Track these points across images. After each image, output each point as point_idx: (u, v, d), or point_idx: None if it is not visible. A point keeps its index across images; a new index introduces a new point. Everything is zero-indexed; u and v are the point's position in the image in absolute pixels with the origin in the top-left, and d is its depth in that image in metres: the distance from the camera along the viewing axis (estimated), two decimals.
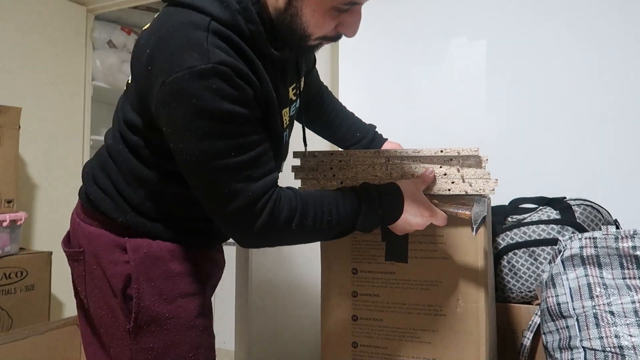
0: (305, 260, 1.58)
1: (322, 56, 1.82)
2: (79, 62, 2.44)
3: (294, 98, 0.95)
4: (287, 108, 0.91)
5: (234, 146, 0.74)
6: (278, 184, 0.81)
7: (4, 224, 1.80)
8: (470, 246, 0.91)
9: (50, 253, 1.98)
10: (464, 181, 0.91)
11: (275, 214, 0.77)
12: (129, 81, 0.87)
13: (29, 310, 1.89)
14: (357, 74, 1.83)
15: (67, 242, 0.95)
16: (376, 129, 1.21)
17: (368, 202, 0.85)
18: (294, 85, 0.94)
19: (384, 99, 1.78)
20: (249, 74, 0.76)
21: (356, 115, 1.23)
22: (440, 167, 0.93)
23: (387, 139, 1.20)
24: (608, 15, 1.49)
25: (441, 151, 0.93)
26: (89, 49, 2.51)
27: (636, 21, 1.46)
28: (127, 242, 0.87)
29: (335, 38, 0.84)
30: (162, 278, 0.87)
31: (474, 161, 0.92)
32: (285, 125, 0.91)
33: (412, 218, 0.86)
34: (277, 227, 0.78)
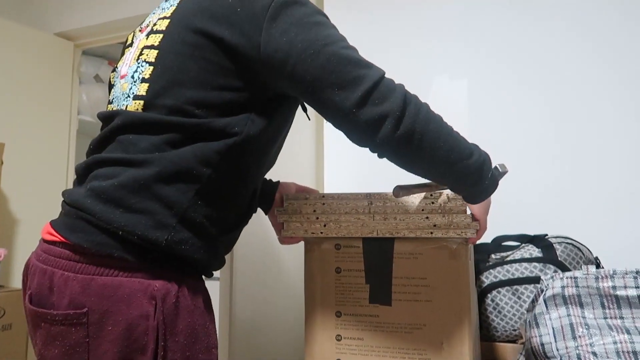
0: (289, 302, 1.57)
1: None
2: (65, 97, 2.44)
3: None
4: None
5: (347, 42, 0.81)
6: None
7: None
8: (454, 288, 0.92)
9: None
10: (447, 225, 0.92)
11: (408, 95, 0.81)
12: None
13: (6, 350, 1.83)
14: None
15: (41, 302, 0.77)
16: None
17: (483, 154, 0.88)
18: None
19: None
20: None
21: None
22: (422, 210, 0.94)
23: (279, 181, 1.12)
24: (586, 54, 1.55)
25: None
26: (76, 83, 2.52)
27: (619, 59, 1.51)
28: (156, 288, 0.75)
29: None
30: (186, 333, 0.77)
31: (456, 204, 0.93)
32: None
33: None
34: (411, 105, 0.80)
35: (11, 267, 2.11)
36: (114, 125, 0.81)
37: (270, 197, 1.05)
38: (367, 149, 0.82)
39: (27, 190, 2.20)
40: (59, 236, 0.78)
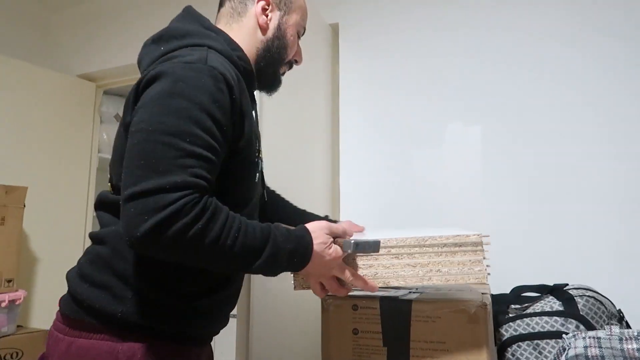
0: (307, 353, 1.55)
1: (324, 137, 1.87)
2: (86, 136, 2.51)
3: (262, 157, 1.04)
4: (259, 141, 1.00)
5: (194, 135, 0.76)
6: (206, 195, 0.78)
7: (3, 304, 1.79)
8: (473, 353, 0.90)
9: (47, 331, 1.95)
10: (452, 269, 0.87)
11: (188, 208, 0.73)
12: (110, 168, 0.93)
13: None
14: (357, 158, 1.87)
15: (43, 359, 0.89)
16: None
17: (279, 232, 0.83)
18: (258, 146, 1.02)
19: (383, 182, 1.81)
20: (235, 88, 0.85)
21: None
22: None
23: (327, 216, 1.21)
24: (605, 92, 1.54)
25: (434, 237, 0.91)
26: (97, 122, 2.59)
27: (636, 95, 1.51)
28: (120, 350, 0.82)
29: (292, 64, 1.08)
30: None
31: (466, 248, 0.89)
32: (257, 151, 0.97)
33: (323, 248, 0.85)
34: (181, 220, 0.72)
35: (30, 308, 2.13)
36: (94, 203, 0.96)
37: None
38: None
39: (47, 230, 2.24)
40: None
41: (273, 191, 1.26)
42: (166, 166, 0.73)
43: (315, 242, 0.85)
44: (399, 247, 0.89)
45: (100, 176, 2.62)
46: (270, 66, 1.01)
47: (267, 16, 1.01)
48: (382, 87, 1.86)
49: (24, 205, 1.92)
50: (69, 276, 0.90)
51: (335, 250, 0.87)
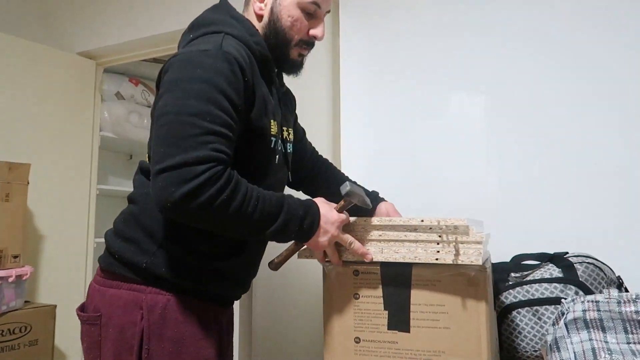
0: (309, 325, 1.57)
1: (324, 115, 1.87)
2: (87, 114, 2.50)
3: (288, 139, 1.10)
4: (278, 121, 1.03)
5: (213, 114, 0.84)
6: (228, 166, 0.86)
7: (10, 279, 1.82)
8: (472, 316, 0.92)
9: (55, 306, 1.99)
10: (455, 250, 0.92)
11: (213, 180, 0.81)
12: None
13: None
14: (359, 129, 1.86)
15: (82, 307, 1.00)
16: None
17: (292, 200, 0.93)
18: (286, 128, 1.09)
19: (385, 154, 1.81)
20: (248, 71, 0.92)
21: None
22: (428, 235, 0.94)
23: (383, 199, 1.23)
24: (607, 68, 1.53)
25: (422, 221, 0.95)
26: (98, 100, 2.58)
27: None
28: (144, 300, 0.91)
29: (308, 43, 1.06)
30: (173, 340, 0.90)
31: (462, 230, 0.92)
32: (276, 132, 1.01)
33: (330, 214, 0.95)
34: (208, 192, 0.80)
35: (37, 283, 2.16)
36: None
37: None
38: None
39: (51, 207, 2.26)
40: None
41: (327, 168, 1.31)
42: (190, 143, 0.81)
43: (320, 206, 0.96)
44: (389, 228, 0.97)
45: (102, 154, 2.63)
46: (277, 50, 1.03)
47: (262, 2, 1.04)
48: (384, 62, 1.84)
49: (28, 182, 1.93)
50: (106, 235, 1.01)
51: (339, 214, 0.97)
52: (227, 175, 0.83)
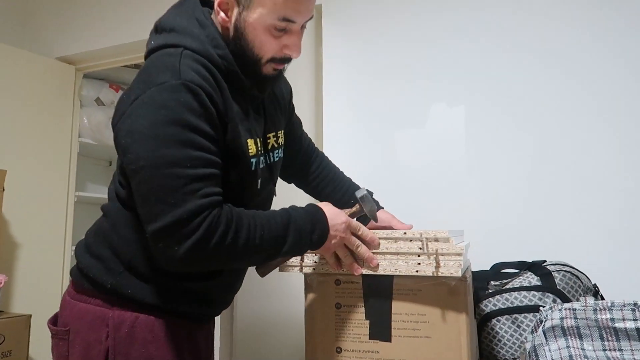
0: (290, 341, 1.56)
1: (306, 122, 1.87)
2: (66, 120, 2.46)
3: (275, 145, 1.03)
4: (259, 136, 0.96)
5: (192, 157, 0.79)
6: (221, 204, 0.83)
7: None
8: (453, 325, 0.92)
9: (30, 316, 1.94)
10: (435, 262, 0.92)
11: (213, 228, 0.78)
12: None
13: None
14: (341, 137, 1.87)
15: (54, 320, 0.96)
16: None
17: (296, 212, 0.89)
18: (274, 133, 1.03)
19: (367, 162, 1.82)
20: (214, 95, 0.84)
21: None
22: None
23: (382, 207, 1.21)
24: (590, 77, 1.56)
25: (404, 233, 0.95)
26: (77, 106, 2.54)
27: (622, 83, 1.53)
28: (110, 317, 0.88)
29: (283, 60, 0.93)
30: None
31: (442, 241, 0.93)
32: (255, 152, 0.93)
33: (337, 217, 0.92)
34: (212, 241, 0.78)
35: (11, 293, 2.10)
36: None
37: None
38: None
39: (28, 214, 2.21)
40: None
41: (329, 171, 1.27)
42: (178, 197, 0.77)
43: (326, 210, 0.92)
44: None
45: (81, 161, 2.58)
46: (247, 67, 0.91)
47: (226, 12, 0.89)
48: (366, 69, 1.86)
49: (4, 189, 1.89)
50: (77, 246, 0.98)
51: (346, 216, 0.94)
52: (226, 216, 0.80)
